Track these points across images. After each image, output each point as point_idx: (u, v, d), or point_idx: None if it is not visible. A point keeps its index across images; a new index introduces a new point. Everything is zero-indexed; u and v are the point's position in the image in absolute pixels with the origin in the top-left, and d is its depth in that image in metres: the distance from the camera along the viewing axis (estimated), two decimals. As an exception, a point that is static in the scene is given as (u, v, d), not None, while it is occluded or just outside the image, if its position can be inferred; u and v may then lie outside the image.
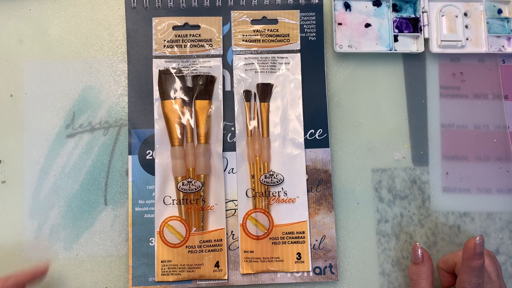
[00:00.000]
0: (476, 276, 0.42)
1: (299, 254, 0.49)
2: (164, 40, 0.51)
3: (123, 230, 0.50)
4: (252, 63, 0.51)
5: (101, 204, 0.50)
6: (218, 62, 0.51)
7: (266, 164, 0.50)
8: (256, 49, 0.51)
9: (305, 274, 0.49)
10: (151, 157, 0.49)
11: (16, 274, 0.43)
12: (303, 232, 0.49)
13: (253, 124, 0.50)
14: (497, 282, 0.45)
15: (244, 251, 0.49)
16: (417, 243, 0.46)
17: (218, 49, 0.51)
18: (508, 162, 0.53)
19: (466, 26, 0.53)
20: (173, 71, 0.50)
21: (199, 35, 0.51)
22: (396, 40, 0.53)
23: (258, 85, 0.51)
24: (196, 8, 0.52)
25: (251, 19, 0.52)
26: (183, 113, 0.50)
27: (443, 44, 0.53)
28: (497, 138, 0.53)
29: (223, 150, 0.50)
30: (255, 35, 0.51)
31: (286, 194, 0.50)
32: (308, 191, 0.50)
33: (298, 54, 0.51)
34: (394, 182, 0.52)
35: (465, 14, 0.54)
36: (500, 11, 0.54)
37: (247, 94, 0.51)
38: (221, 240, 0.49)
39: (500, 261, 0.51)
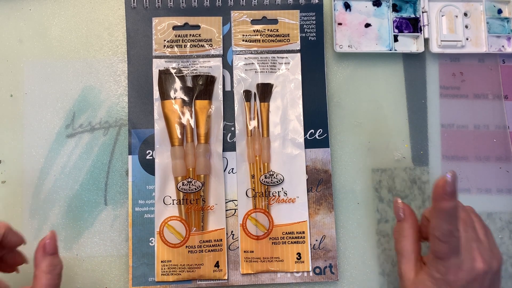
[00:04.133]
0: (447, 222, 0.37)
1: (299, 254, 0.49)
2: (164, 40, 0.51)
3: (123, 230, 0.50)
4: (252, 63, 0.51)
5: (101, 204, 0.50)
6: (218, 62, 0.51)
7: (266, 164, 0.50)
8: (256, 49, 0.51)
9: (305, 274, 0.49)
10: (151, 157, 0.49)
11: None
12: (303, 232, 0.49)
13: (253, 124, 0.50)
14: (485, 241, 0.40)
15: (244, 251, 0.49)
16: (398, 199, 0.44)
17: (218, 49, 0.51)
18: (508, 162, 0.53)
19: (466, 26, 0.53)
20: (173, 71, 0.50)
21: (199, 35, 0.51)
22: (396, 40, 0.53)
23: (258, 85, 0.51)
24: (196, 8, 0.52)
25: (251, 19, 0.52)
26: (183, 113, 0.50)
27: (443, 44, 0.53)
28: (497, 138, 0.53)
29: (223, 150, 0.50)
30: (255, 35, 0.51)
31: (286, 194, 0.50)
32: (308, 191, 0.50)
33: (298, 54, 0.51)
34: (394, 182, 0.52)
35: (465, 14, 0.54)
36: (500, 11, 0.54)
37: (247, 94, 0.51)
38: (221, 240, 0.49)
39: (500, 261, 0.51)
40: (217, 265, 0.48)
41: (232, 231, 0.49)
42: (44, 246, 0.40)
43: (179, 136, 0.49)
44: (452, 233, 0.37)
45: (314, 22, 0.52)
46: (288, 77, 0.51)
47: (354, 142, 0.52)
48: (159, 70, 0.50)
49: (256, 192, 0.50)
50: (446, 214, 0.37)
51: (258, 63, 0.51)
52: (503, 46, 0.54)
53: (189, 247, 0.48)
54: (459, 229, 0.37)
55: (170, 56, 0.51)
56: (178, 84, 0.50)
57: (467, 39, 0.53)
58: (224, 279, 0.48)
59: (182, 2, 0.52)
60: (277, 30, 0.52)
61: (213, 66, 0.51)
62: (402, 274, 0.42)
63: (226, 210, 0.49)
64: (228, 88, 0.51)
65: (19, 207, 0.49)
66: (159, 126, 0.50)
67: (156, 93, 0.50)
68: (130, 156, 0.49)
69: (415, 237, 0.42)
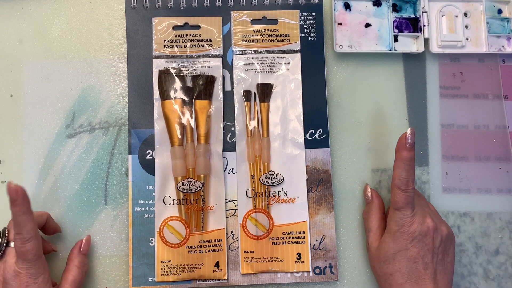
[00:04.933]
0: (405, 170, 0.43)
1: (299, 254, 0.49)
2: (164, 40, 0.51)
3: (123, 230, 0.50)
4: (252, 63, 0.51)
5: (101, 204, 0.50)
6: (218, 62, 0.51)
7: (266, 164, 0.50)
8: (256, 49, 0.51)
9: (305, 274, 0.49)
10: (151, 157, 0.49)
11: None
12: (303, 232, 0.49)
13: (253, 124, 0.50)
14: (435, 213, 0.47)
15: (244, 251, 0.49)
16: (367, 185, 0.50)
17: (218, 49, 0.51)
18: (508, 162, 0.53)
19: (466, 26, 0.53)
20: (173, 71, 0.50)
21: (199, 35, 0.51)
22: (396, 40, 0.53)
23: (258, 85, 0.51)
24: (196, 8, 0.52)
25: (251, 19, 0.52)
26: (183, 113, 0.50)
27: (443, 44, 0.53)
28: (497, 138, 0.53)
29: (223, 150, 0.50)
30: (255, 35, 0.51)
31: (286, 194, 0.50)
32: (308, 191, 0.50)
33: (298, 54, 0.51)
34: (394, 182, 0.52)
35: (465, 14, 0.54)
36: (500, 11, 0.54)
37: (247, 94, 0.51)
38: (221, 240, 0.49)
39: (500, 261, 0.51)
40: (217, 265, 0.48)
41: (232, 231, 0.49)
42: (80, 245, 0.47)
43: (179, 136, 0.49)
44: (408, 183, 0.43)
45: (314, 22, 0.52)
46: (288, 77, 0.51)
47: (354, 142, 0.52)
48: (159, 70, 0.50)
49: (256, 192, 0.50)
50: (405, 163, 0.43)
51: (258, 63, 0.51)
52: (503, 46, 0.54)
53: (189, 247, 0.48)
54: (413, 182, 0.44)
55: (170, 56, 0.51)
56: (178, 84, 0.50)
57: (467, 39, 0.53)
58: (224, 279, 0.48)
59: (182, 2, 0.52)
60: (277, 30, 0.52)
61: (213, 66, 0.51)
62: (369, 245, 0.48)
63: (226, 210, 0.49)
64: (228, 88, 0.51)
65: (19, 207, 0.49)
66: (159, 126, 0.50)
67: (156, 93, 0.50)
68: (130, 156, 0.49)
69: (381, 215, 0.48)
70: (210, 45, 0.51)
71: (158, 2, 0.51)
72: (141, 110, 0.50)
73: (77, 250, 0.47)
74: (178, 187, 0.49)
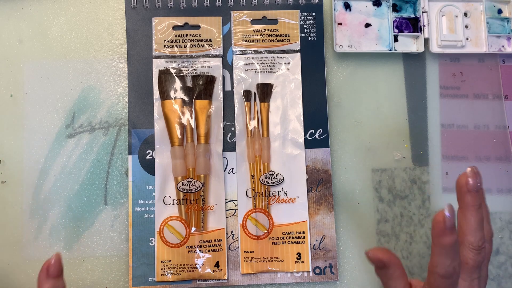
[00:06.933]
0: (450, 257, 0.36)
1: (299, 254, 0.49)
2: (164, 40, 0.51)
3: (123, 230, 0.50)
4: (252, 63, 0.51)
5: (101, 204, 0.50)
6: (218, 62, 0.51)
7: (266, 164, 0.50)
8: (256, 49, 0.51)
9: (305, 274, 0.49)
10: (151, 157, 0.49)
11: None
12: (303, 232, 0.49)
13: (253, 124, 0.50)
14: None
15: (244, 251, 0.49)
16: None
17: (218, 49, 0.51)
18: (508, 162, 0.53)
19: (466, 26, 0.53)
20: (173, 71, 0.50)
21: (199, 35, 0.51)
22: (396, 40, 0.53)
23: (258, 85, 0.51)
24: (196, 8, 0.52)
25: (251, 19, 0.52)
26: (183, 113, 0.50)
27: (443, 44, 0.53)
28: (497, 138, 0.53)
29: (223, 150, 0.50)
30: (255, 35, 0.51)
31: (286, 194, 0.50)
32: (308, 191, 0.50)
33: (298, 54, 0.51)
34: (394, 182, 0.52)
35: (465, 14, 0.54)
36: (500, 11, 0.54)
37: (247, 94, 0.51)
38: (221, 240, 0.49)
39: (500, 261, 0.51)
40: (217, 265, 0.48)
41: (232, 231, 0.49)
42: (47, 268, 0.38)
43: (179, 136, 0.49)
44: (455, 269, 0.36)
45: (314, 22, 0.52)
46: (288, 77, 0.51)
47: (354, 142, 0.52)
48: (159, 70, 0.50)
49: (256, 192, 0.50)
50: (448, 249, 0.36)
51: (258, 63, 0.51)
52: (503, 46, 0.54)
53: (189, 247, 0.48)
54: (458, 262, 0.36)
55: (170, 56, 0.51)
56: (178, 84, 0.50)
57: (467, 39, 0.53)
58: (224, 279, 0.48)
59: (182, 2, 0.52)
60: (277, 30, 0.52)
61: (213, 66, 0.51)
62: None
63: (226, 210, 0.49)
64: (228, 88, 0.51)
65: (19, 207, 0.49)
66: (159, 126, 0.50)
67: (156, 93, 0.50)
68: (130, 156, 0.49)
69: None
70: (210, 45, 0.51)
71: (158, 2, 0.51)
72: (141, 110, 0.50)
73: (44, 274, 0.38)
74: (178, 187, 0.49)
